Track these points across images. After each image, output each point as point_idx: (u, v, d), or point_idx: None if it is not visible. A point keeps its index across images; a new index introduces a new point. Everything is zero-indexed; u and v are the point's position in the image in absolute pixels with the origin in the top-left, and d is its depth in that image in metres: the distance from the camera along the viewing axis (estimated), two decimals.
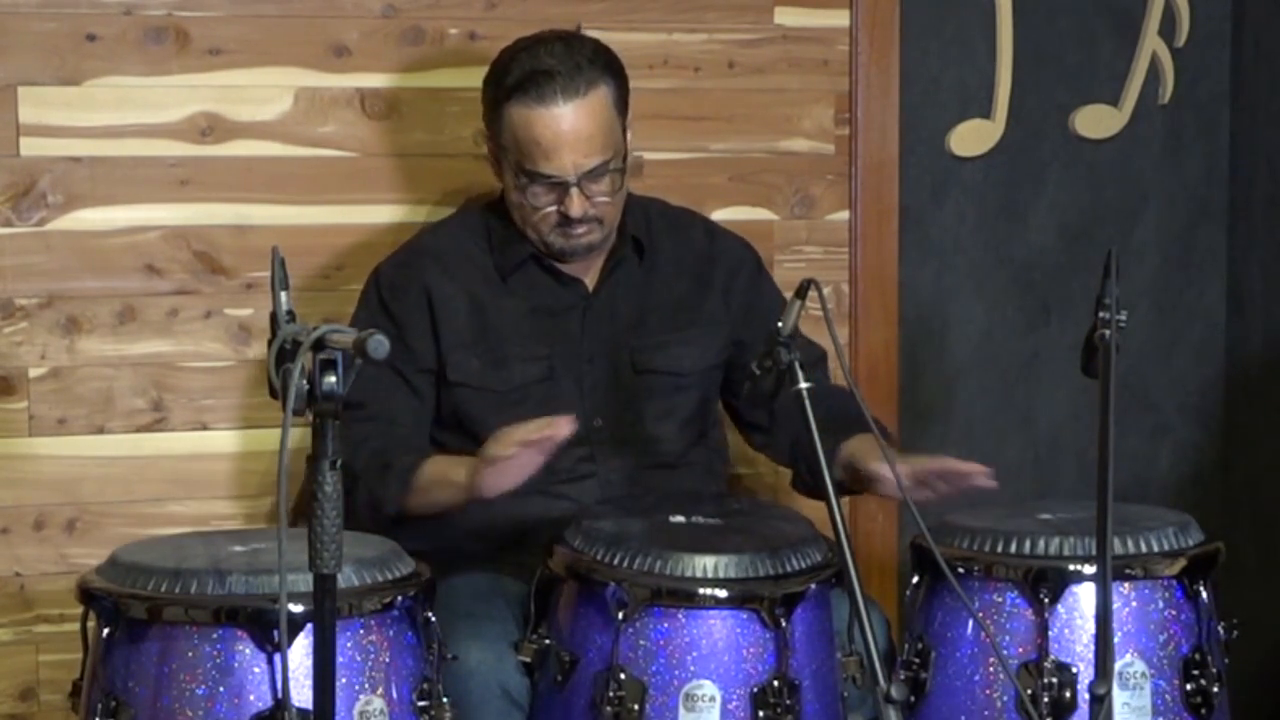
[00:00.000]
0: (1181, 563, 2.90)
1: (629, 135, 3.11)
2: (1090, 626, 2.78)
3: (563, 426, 2.80)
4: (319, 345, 2.20)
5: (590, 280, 3.17)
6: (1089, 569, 2.81)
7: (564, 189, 3.01)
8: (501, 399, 3.10)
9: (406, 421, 3.09)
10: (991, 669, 2.86)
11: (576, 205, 3.02)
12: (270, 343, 2.25)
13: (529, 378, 3.12)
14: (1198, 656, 2.88)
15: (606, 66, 3.04)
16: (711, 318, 3.22)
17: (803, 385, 2.67)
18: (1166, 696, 2.86)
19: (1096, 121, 3.98)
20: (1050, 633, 2.83)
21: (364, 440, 3.01)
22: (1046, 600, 2.82)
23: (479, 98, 3.10)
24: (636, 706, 2.66)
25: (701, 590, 2.68)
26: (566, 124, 2.98)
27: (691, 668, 2.67)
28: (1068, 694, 2.81)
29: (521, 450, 2.80)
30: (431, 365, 3.12)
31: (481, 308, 3.13)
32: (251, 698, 2.53)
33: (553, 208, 3.04)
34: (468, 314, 3.12)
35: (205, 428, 3.44)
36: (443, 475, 2.96)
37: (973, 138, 3.90)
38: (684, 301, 3.22)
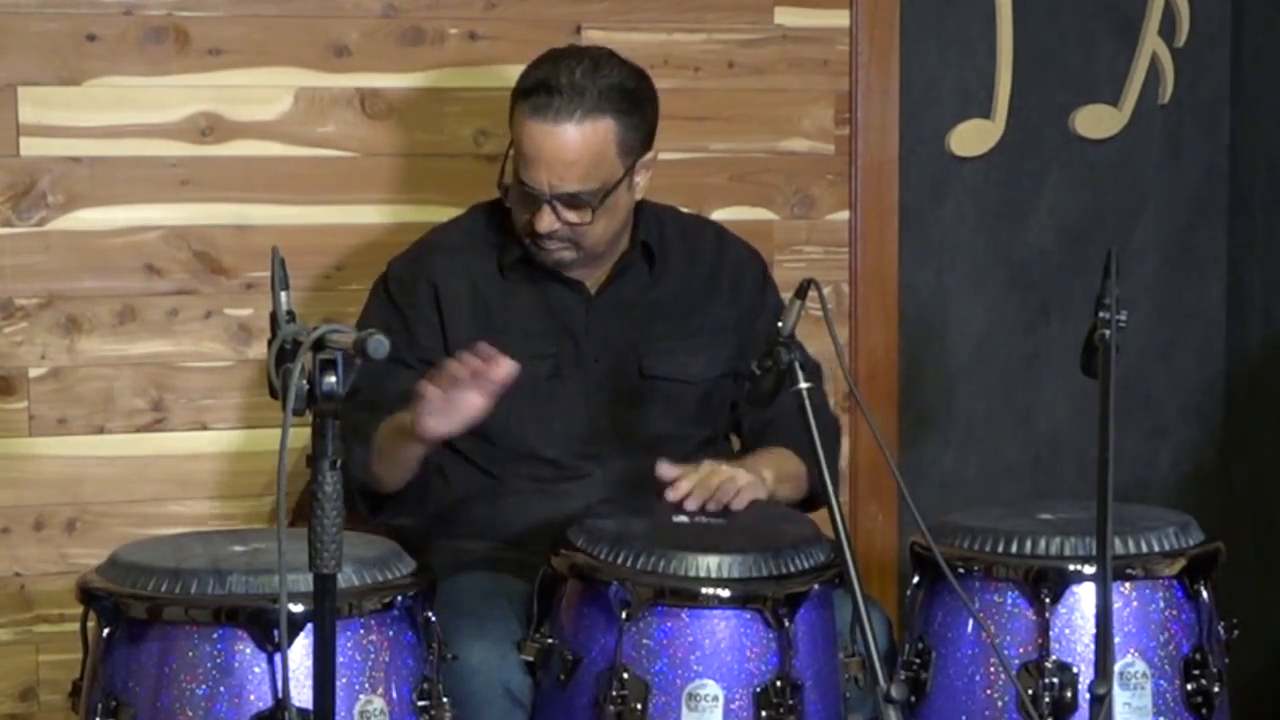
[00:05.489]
0: (1182, 563, 2.90)
1: (639, 174, 3.06)
2: (1091, 626, 2.78)
3: (503, 366, 2.78)
4: (319, 345, 2.20)
5: (593, 283, 3.17)
6: (1089, 569, 2.81)
7: (537, 202, 3.01)
8: (508, 394, 3.09)
9: (396, 405, 3.04)
10: (992, 669, 2.86)
11: (544, 222, 3.01)
12: (270, 343, 2.25)
13: (535, 375, 3.11)
14: (1198, 656, 2.88)
15: (621, 102, 2.99)
16: (720, 325, 3.21)
17: (803, 385, 2.67)
18: (1167, 696, 2.86)
19: (1096, 121, 3.98)
20: (1051, 633, 2.82)
21: (353, 427, 2.98)
22: (1047, 600, 2.82)
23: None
24: (639, 706, 2.65)
25: (705, 590, 2.68)
26: (552, 144, 2.96)
27: (695, 667, 2.67)
28: (1068, 694, 2.81)
29: (454, 388, 2.79)
30: (433, 357, 3.11)
31: (486, 303, 3.13)
32: (251, 698, 2.53)
33: (527, 216, 3.04)
34: (472, 309, 3.12)
35: (205, 428, 3.44)
36: (397, 423, 2.92)
37: (973, 138, 3.89)
38: (693, 309, 3.21)
